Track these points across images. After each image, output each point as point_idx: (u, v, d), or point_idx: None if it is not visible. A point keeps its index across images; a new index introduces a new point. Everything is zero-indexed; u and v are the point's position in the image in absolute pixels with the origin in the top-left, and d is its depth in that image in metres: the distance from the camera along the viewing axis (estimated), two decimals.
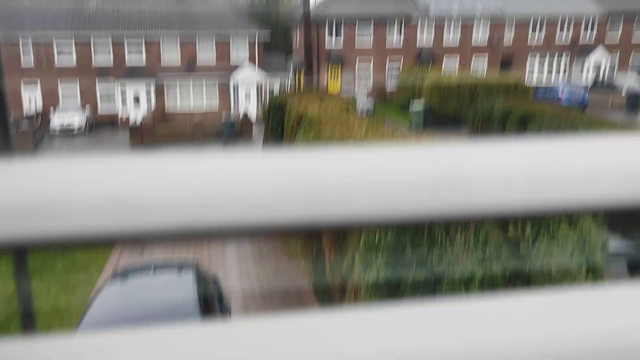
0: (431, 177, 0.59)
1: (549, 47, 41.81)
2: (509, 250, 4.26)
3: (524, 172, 0.60)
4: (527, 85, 30.05)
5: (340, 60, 39.29)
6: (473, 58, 40.78)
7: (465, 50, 40.58)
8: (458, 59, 40.53)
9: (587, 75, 41.32)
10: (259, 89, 35.25)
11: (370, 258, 4.80)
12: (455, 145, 0.60)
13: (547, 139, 0.63)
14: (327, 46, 39.09)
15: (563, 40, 42.09)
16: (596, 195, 0.60)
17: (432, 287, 4.42)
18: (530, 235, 4.25)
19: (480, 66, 40.73)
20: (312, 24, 23.33)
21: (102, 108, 34.69)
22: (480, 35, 40.72)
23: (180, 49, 34.97)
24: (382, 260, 4.66)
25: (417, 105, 28.94)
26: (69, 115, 30.95)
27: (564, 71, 42.43)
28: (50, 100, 33.89)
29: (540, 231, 4.30)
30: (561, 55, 42.12)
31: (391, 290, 4.62)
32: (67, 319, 9.23)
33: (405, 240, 4.53)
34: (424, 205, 0.58)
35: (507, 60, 41.18)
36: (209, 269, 9.78)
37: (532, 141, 0.62)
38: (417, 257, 4.49)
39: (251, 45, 35.81)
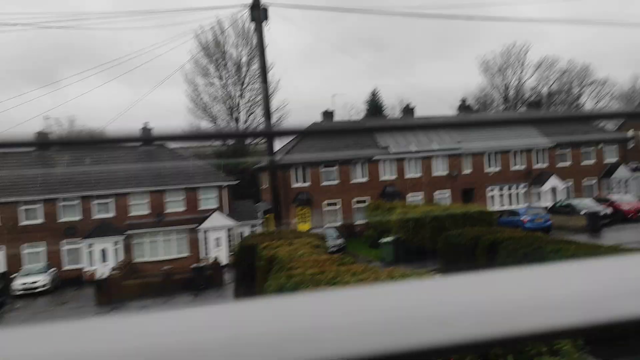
0: (408, 313, 0.58)
1: (506, 175, 44.00)
2: None
3: (499, 301, 0.59)
4: (490, 211, 31.04)
5: (308, 201, 40.22)
6: (436, 190, 42.37)
7: (428, 182, 42.27)
8: (421, 191, 42.02)
9: (545, 200, 43.10)
10: (228, 235, 35.31)
11: None
12: (425, 279, 0.60)
13: (517, 268, 0.63)
14: (294, 188, 40.20)
15: (518, 169, 44.49)
16: (572, 318, 0.60)
17: None
18: None
19: (443, 197, 42.21)
20: (278, 169, 24.21)
21: (68, 264, 33.88)
22: (440, 166, 42.76)
23: (150, 202, 35.35)
24: None
25: (387, 239, 29.26)
26: (32, 275, 30.03)
27: (524, 197, 44.26)
28: (14, 262, 33.02)
29: None
30: (518, 183, 44.22)
31: None
32: None
33: None
34: (399, 340, 0.56)
35: (468, 190, 42.88)
36: None
37: (501, 271, 0.62)
38: None
39: (220, 193, 36.53)
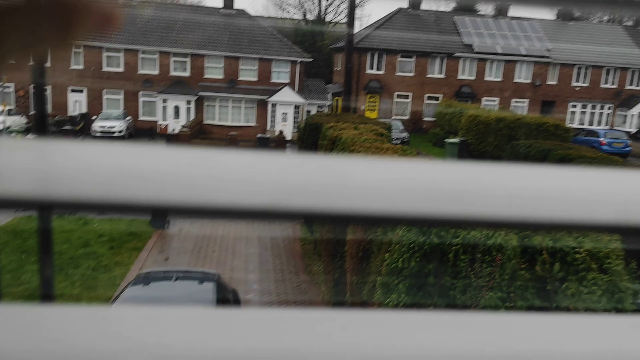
0: (450, 188, 0.59)
1: (592, 92, 41.20)
2: (535, 288, 4.14)
3: (545, 192, 0.60)
4: (568, 127, 29.58)
5: (380, 89, 39.50)
6: (514, 96, 40.44)
7: (507, 87, 40.28)
8: (498, 96, 40.25)
9: (630, 124, 40.45)
10: (296, 111, 35.64)
11: (391, 283, 4.73)
12: (479, 164, 0.60)
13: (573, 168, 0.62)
14: (367, 74, 39.39)
15: (607, 87, 41.42)
16: (615, 214, 0.59)
17: None
18: (557, 275, 4.13)
19: (520, 105, 40.35)
20: (354, 51, 23.59)
21: (143, 115, 35.61)
22: (523, 73, 40.41)
23: (224, 66, 35.75)
24: (403, 286, 4.59)
25: (452, 140, 28.76)
26: (111, 120, 31.89)
27: (607, 117, 41.66)
28: (95, 104, 34.99)
29: (569, 272, 4.18)
30: (604, 102, 41.42)
31: None
32: None
33: (428, 269, 4.46)
34: (443, 209, 0.58)
35: (548, 102, 40.70)
36: (229, 283, 9.79)
37: (558, 168, 0.62)
38: (440, 286, 4.41)
39: (292, 68, 36.34)
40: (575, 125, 39.40)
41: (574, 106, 41.32)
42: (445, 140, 29.51)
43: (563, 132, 28.24)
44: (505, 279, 4.18)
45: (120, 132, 31.49)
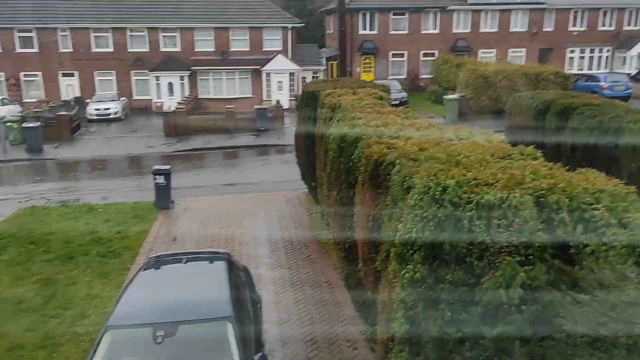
0: None
1: (590, 36, 40.48)
2: (554, 249, 4.05)
3: None
4: (568, 74, 29.16)
5: (374, 49, 38.87)
6: (511, 46, 39.77)
7: (503, 38, 39.59)
8: (495, 47, 39.59)
9: (630, 66, 39.89)
10: (291, 78, 35.17)
11: (406, 253, 4.65)
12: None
13: None
14: (360, 34, 38.69)
15: (605, 29, 40.66)
16: None
17: (471, 284, 4.25)
18: (575, 233, 4.02)
19: (518, 55, 39.73)
20: (346, 12, 23.04)
21: (137, 94, 35.20)
22: (519, 22, 39.63)
23: (214, 38, 35.11)
24: (418, 256, 4.51)
25: (452, 96, 28.41)
26: (105, 102, 31.53)
27: (606, 61, 41.05)
28: (87, 87, 34.56)
29: (587, 229, 4.08)
30: (603, 44, 40.73)
31: (427, 287, 4.47)
32: (102, 302, 9.36)
33: (443, 237, 4.37)
34: None
35: (546, 49, 40.05)
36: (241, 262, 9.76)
37: None
38: (456, 254, 4.32)
39: (284, 34, 35.68)
40: (575, 71, 38.87)
41: (572, 51, 40.70)
42: (444, 97, 29.16)
43: (563, 79, 27.87)
44: (524, 242, 4.08)
45: (115, 113, 31.18)
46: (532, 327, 3.94)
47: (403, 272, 4.69)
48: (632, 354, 3.25)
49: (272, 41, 35.65)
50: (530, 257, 4.09)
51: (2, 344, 8.12)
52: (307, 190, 15.04)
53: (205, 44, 35.19)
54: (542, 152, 5.98)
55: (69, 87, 34.88)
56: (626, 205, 4.29)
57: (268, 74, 35.03)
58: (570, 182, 4.46)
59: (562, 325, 3.37)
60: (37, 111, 27.68)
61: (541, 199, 4.27)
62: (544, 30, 39.93)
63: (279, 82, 35.14)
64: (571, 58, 40.71)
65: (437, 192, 4.49)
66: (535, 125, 13.76)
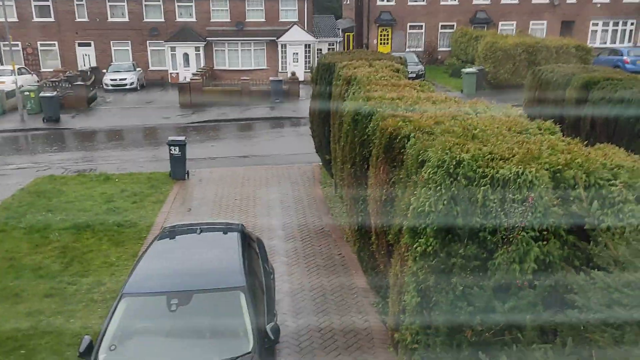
0: None
1: (614, 8, 39.33)
2: (569, 224, 4.00)
3: None
4: (590, 48, 28.46)
5: (391, 21, 38.24)
6: (532, 18, 38.83)
7: (524, 9, 38.64)
8: (516, 19, 38.69)
9: None
10: (307, 50, 34.82)
11: (419, 227, 4.63)
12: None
13: None
14: (378, 5, 38.03)
15: (630, 1, 39.44)
16: None
17: (484, 259, 4.23)
18: (593, 209, 3.97)
19: (539, 27, 38.81)
20: None
21: (153, 65, 35.18)
22: None
23: (230, 8, 34.79)
24: (431, 230, 4.49)
25: (470, 69, 27.94)
26: (121, 72, 31.60)
27: (629, 34, 39.95)
28: (104, 57, 34.59)
29: (604, 205, 4.02)
30: (627, 17, 39.59)
31: (440, 260, 4.46)
32: (118, 270, 9.53)
33: (456, 211, 4.34)
34: None
35: (568, 22, 39.05)
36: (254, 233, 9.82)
37: None
38: (469, 229, 4.29)
39: (300, 5, 35.22)
40: (597, 44, 37.91)
41: (595, 24, 39.62)
42: (462, 70, 28.70)
43: (585, 53, 27.24)
44: (539, 217, 4.04)
45: (131, 84, 31.26)
46: (545, 303, 3.93)
47: (415, 245, 4.69)
48: None
49: (288, 12, 35.24)
50: (545, 232, 4.06)
51: (21, 308, 8.33)
52: (321, 163, 15.01)
53: (220, 14, 34.90)
54: (561, 127, 5.88)
55: (86, 57, 34.95)
56: None
57: (284, 46, 34.72)
58: (588, 157, 4.39)
59: (574, 301, 3.35)
60: (54, 81, 27.83)
61: (557, 174, 4.21)
62: (567, 2, 38.89)
63: (295, 53, 34.82)
64: (594, 31, 39.67)
65: (451, 166, 4.45)
66: (554, 100, 13.51)
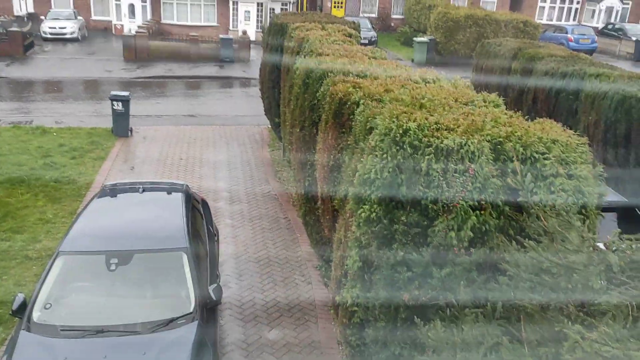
0: None
1: None
2: (506, 195, 4.16)
3: None
4: (537, 24, 29.15)
5: None
6: None
7: None
8: None
9: (597, 19, 40.14)
10: (260, 9, 33.95)
11: (364, 194, 4.69)
12: None
13: None
14: None
15: None
16: None
17: (425, 226, 4.34)
18: (527, 182, 4.12)
19: (489, 1, 39.30)
20: None
21: (96, 15, 33.43)
22: None
23: None
24: (375, 197, 4.56)
25: (421, 39, 28.10)
26: (61, 20, 29.82)
27: (575, 13, 41.13)
28: (42, 3, 32.52)
29: (538, 178, 4.19)
30: None
31: (382, 226, 4.54)
32: (54, 228, 9.22)
33: (401, 179, 4.42)
34: None
35: None
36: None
37: None
38: (412, 198, 4.38)
39: None
40: (544, 21, 38.85)
41: (544, 1, 40.51)
42: (414, 39, 28.83)
43: (532, 28, 27.89)
44: (478, 187, 4.17)
45: (72, 33, 29.60)
46: (478, 270, 4.09)
47: (360, 211, 4.75)
48: (571, 297, 3.42)
49: None
50: (483, 202, 4.20)
51: None
52: (269, 125, 14.87)
53: None
54: (505, 100, 6.04)
55: (22, 1, 32.74)
56: (576, 155, 4.41)
57: (235, 3, 33.70)
58: (527, 130, 4.53)
59: (506, 270, 3.51)
60: None
61: (498, 147, 4.34)
62: None
63: (247, 11, 33.90)
64: (542, 7, 40.57)
65: (397, 135, 4.49)
66: (500, 73, 13.84)
